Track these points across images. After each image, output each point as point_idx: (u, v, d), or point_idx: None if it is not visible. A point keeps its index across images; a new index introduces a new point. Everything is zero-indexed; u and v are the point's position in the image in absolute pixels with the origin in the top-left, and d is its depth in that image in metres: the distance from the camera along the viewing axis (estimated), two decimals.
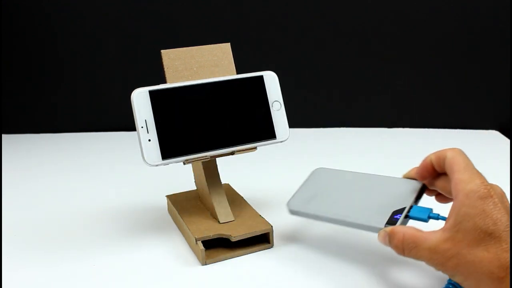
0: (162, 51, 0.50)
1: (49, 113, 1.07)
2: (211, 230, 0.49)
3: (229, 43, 0.53)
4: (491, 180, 0.71)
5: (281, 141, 0.52)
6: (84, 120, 1.07)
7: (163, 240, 0.53)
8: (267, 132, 0.51)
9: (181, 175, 0.61)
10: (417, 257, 0.37)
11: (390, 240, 0.39)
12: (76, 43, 1.02)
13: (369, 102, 1.01)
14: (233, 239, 0.48)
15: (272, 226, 0.50)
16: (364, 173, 0.49)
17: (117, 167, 0.80)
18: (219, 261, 0.48)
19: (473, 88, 0.98)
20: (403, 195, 0.44)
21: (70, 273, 0.47)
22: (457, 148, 0.43)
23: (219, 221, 0.51)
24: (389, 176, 0.47)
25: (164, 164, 0.47)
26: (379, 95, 1.00)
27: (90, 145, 0.95)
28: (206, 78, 0.51)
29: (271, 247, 0.51)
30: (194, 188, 0.58)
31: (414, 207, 0.43)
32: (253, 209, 0.54)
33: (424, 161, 0.43)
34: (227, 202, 0.52)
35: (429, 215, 0.42)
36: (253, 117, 0.51)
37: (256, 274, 0.46)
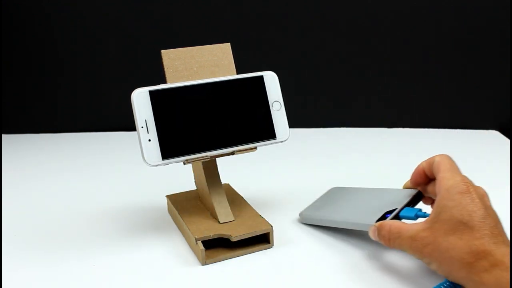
0: (162, 51, 0.50)
1: (49, 113, 1.07)
2: (211, 230, 0.49)
3: (229, 43, 0.53)
4: (491, 180, 0.71)
5: (281, 141, 0.52)
6: (84, 120, 1.06)
7: (163, 240, 0.53)
8: (267, 132, 0.51)
9: (181, 175, 0.61)
10: (400, 245, 0.42)
11: (379, 232, 0.44)
12: (76, 43, 1.02)
13: (369, 102, 1.01)
14: (233, 239, 0.48)
15: (272, 226, 0.50)
16: (371, 188, 0.56)
17: (117, 167, 0.80)
18: (219, 261, 0.48)
19: (473, 88, 0.98)
20: (398, 200, 0.49)
21: (70, 273, 0.47)
22: (445, 154, 0.47)
23: (219, 221, 0.51)
24: (391, 188, 0.53)
25: (164, 164, 0.47)
26: (379, 95, 1.00)
27: (90, 145, 0.95)
28: (206, 78, 0.51)
29: (271, 247, 0.51)
30: (194, 188, 0.58)
31: (405, 208, 0.47)
32: (253, 209, 0.54)
33: (416, 168, 0.48)
34: (227, 202, 0.52)
35: (416, 214, 0.46)
36: (253, 117, 0.51)
37: (256, 274, 0.46)
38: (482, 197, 0.40)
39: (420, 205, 0.49)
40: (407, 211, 0.47)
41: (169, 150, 0.47)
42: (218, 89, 0.50)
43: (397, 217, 0.47)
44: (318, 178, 0.70)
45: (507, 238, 0.38)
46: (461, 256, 0.37)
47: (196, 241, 0.47)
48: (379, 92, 1.00)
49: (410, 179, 0.49)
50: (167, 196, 0.59)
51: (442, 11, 0.94)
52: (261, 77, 0.51)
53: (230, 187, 0.61)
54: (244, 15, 0.98)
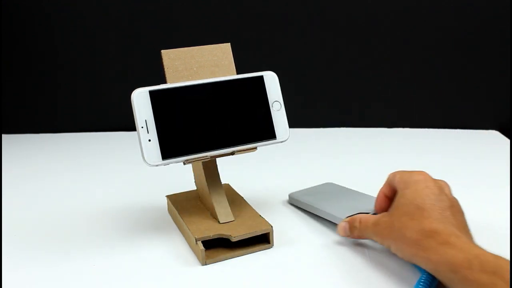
0: (162, 51, 0.50)
1: (49, 113, 1.07)
2: (211, 230, 0.49)
3: (229, 43, 0.53)
4: (491, 180, 0.71)
5: (281, 141, 0.52)
6: (84, 120, 1.07)
7: (163, 240, 0.53)
8: (267, 132, 0.51)
9: (181, 175, 0.61)
10: (367, 233, 0.46)
11: (351, 224, 0.48)
12: (76, 43, 1.02)
13: (369, 102, 1.01)
14: (233, 239, 0.48)
15: (272, 226, 0.50)
16: (358, 192, 0.60)
17: (117, 167, 0.80)
18: (219, 261, 0.48)
19: (473, 88, 0.98)
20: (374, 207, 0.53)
21: (70, 273, 0.47)
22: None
23: (219, 221, 0.51)
24: (375, 197, 0.55)
25: (164, 164, 0.47)
26: (379, 95, 1.00)
27: (90, 145, 0.95)
28: (206, 78, 0.51)
29: (271, 247, 0.51)
30: (194, 188, 0.58)
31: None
32: (253, 209, 0.54)
33: (377, 196, 0.51)
34: (227, 202, 0.52)
35: None
36: (253, 117, 0.51)
37: (256, 274, 0.46)
38: (441, 187, 0.44)
39: None
40: None
41: (169, 150, 0.47)
42: (218, 89, 0.50)
43: None
44: (318, 178, 0.70)
45: (462, 224, 0.41)
46: (411, 234, 0.40)
47: (196, 241, 0.47)
48: (379, 92, 1.00)
49: (375, 207, 0.51)
50: (167, 196, 0.59)
51: (442, 11, 0.94)
52: (261, 77, 0.51)
53: (230, 187, 0.61)
54: (244, 15, 0.98)
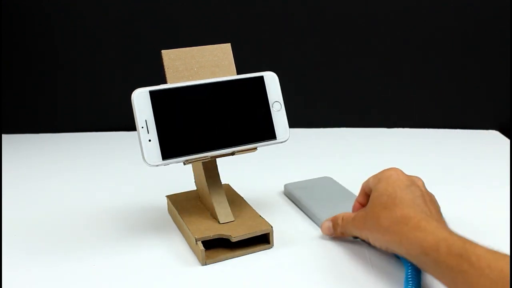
0: (162, 51, 0.50)
1: (49, 113, 1.07)
2: (211, 230, 0.49)
3: (230, 44, 0.53)
4: (491, 180, 0.71)
5: (282, 142, 0.52)
6: (84, 120, 1.06)
7: (163, 240, 0.53)
8: (267, 133, 0.51)
9: (181, 175, 0.61)
10: (348, 229, 0.48)
11: (334, 222, 0.50)
12: (76, 43, 1.02)
13: (369, 102, 1.01)
14: (233, 240, 0.48)
15: (272, 227, 0.50)
16: (351, 192, 0.62)
17: (117, 167, 0.80)
18: (219, 261, 0.48)
19: (473, 88, 0.98)
20: None
21: (70, 273, 0.47)
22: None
23: (219, 221, 0.51)
24: None
25: (164, 164, 0.47)
26: (379, 95, 1.00)
27: (90, 145, 0.95)
28: (206, 78, 0.51)
29: (271, 247, 0.51)
30: (194, 188, 0.58)
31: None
32: (253, 209, 0.54)
33: (353, 206, 0.52)
34: (227, 202, 0.52)
35: None
36: (253, 117, 0.51)
37: (256, 274, 0.46)
38: (413, 180, 0.46)
39: None
40: None
41: (169, 150, 0.47)
42: (218, 89, 0.50)
43: None
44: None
45: (434, 212, 0.42)
46: (383, 222, 0.42)
47: (196, 241, 0.48)
48: (379, 92, 1.00)
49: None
50: (167, 196, 0.59)
51: (442, 11, 0.94)
52: (261, 77, 0.51)
53: (230, 187, 0.61)
54: (244, 15, 0.98)
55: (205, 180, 0.52)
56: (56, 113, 1.07)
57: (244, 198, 0.58)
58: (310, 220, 0.57)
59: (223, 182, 0.54)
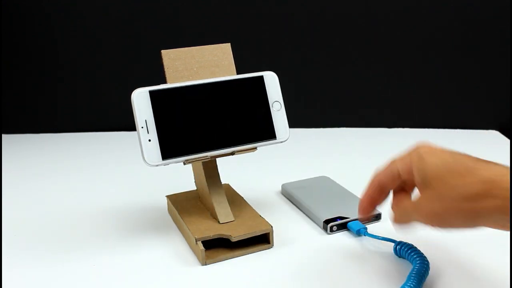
0: (162, 51, 0.50)
1: (49, 113, 1.07)
2: (211, 230, 0.49)
3: (230, 43, 0.53)
4: None
5: (281, 141, 0.52)
6: (84, 120, 1.06)
7: (163, 240, 0.53)
8: (267, 133, 0.51)
9: (181, 175, 0.61)
10: (408, 216, 0.40)
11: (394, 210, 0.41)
12: (76, 43, 1.02)
13: (369, 102, 1.01)
14: (233, 239, 0.48)
15: (272, 226, 0.50)
16: (348, 191, 0.62)
17: (117, 167, 0.80)
18: (219, 261, 0.48)
19: (473, 88, 0.98)
20: (357, 212, 0.51)
21: (70, 273, 0.47)
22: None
23: (219, 221, 0.51)
24: None
25: (164, 164, 0.47)
26: (379, 95, 1.00)
27: (90, 145, 0.95)
28: (206, 78, 0.51)
29: (271, 247, 0.51)
30: (194, 188, 0.58)
31: (355, 221, 0.54)
32: (253, 209, 0.54)
33: (362, 202, 0.44)
34: (227, 202, 0.52)
35: (359, 230, 0.52)
36: (253, 117, 0.51)
37: (256, 274, 0.46)
38: (451, 149, 0.40)
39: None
40: (355, 224, 0.53)
41: (169, 150, 0.47)
42: (218, 89, 0.50)
43: (345, 225, 0.54)
44: None
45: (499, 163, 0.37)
46: (474, 188, 0.35)
47: (196, 241, 0.48)
48: (379, 92, 1.00)
49: (360, 212, 0.45)
50: (167, 196, 0.59)
51: (442, 11, 0.94)
52: (261, 77, 0.51)
53: (230, 187, 0.61)
54: (244, 15, 0.98)
55: (205, 180, 0.52)
56: (56, 113, 1.07)
57: (244, 198, 0.58)
58: (309, 220, 0.57)
59: (223, 182, 0.54)
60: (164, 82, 0.50)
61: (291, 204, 0.62)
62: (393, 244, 0.48)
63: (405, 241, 0.47)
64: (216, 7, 0.97)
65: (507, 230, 0.35)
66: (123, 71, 1.02)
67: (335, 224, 0.53)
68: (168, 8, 0.98)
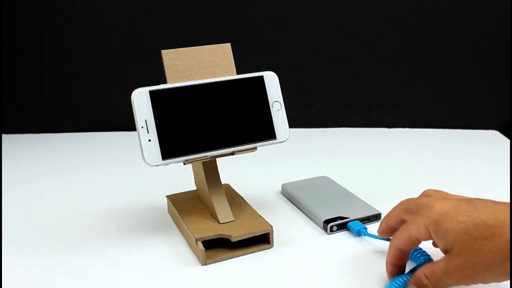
0: (162, 51, 0.50)
1: (49, 113, 1.07)
2: (211, 230, 0.49)
3: (230, 43, 0.53)
4: (491, 180, 0.71)
5: (281, 141, 0.52)
6: (84, 120, 1.06)
7: (163, 240, 0.53)
8: (267, 133, 0.51)
9: (181, 175, 0.61)
10: (443, 285, 0.38)
11: (420, 285, 0.40)
12: (76, 43, 1.02)
13: (369, 102, 1.01)
14: (233, 239, 0.48)
15: (272, 226, 0.50)
16: (347, 191, 0.62)
17: (117, 167, 0.80)
18: (219, 261, 0.48)
19: (473, 88, 0.98)
20: (357, 212, 0.55)
21: (70, 273, 0.47)
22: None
23: (219, 221, 0.51)
24: (361, 199, 0.59)
25: (164, 164, 0.47)
26: (379, 95, 1.00)
27: (90, 145, 0.95)
28: (206, 78, 0.51)
29: (271, 247, 0.51)
30: (194, 188, 0.58)
31: (355, 221, 0.53)
32: (253, 209, 0.54)
33: (381, 227, 0.46)
34: (227, 202, 0.52)
35: (359, 230, 0.52)
36: (253, 117, 0.51)
37: (256, 274, 0.46)
38: (459, 199, 0.39)
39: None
40: (355, 224, 0.53)
41: (169, 150, 0.47)
42: (218, 89, 0.50)
43: (345, 225, 0.54)
44: None
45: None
46: (497, 252, 0.34)
47: (196, 241, 0.48)
48: (379, 92, 1.00)
49: (379, 233, 0.46)
50: (167, 196, 0.59)
51: (442, 11, 0.94)
52: (261, 77, 0.51)
53: (230, 187, 0.61)
54: (244, 15, 0.98)
55: (205, 180, 0.52)
56: (56, 113, 1.07)
57: (244, 198, 0.58)
58: (310, 220, 0.57)
59: (223, 182, 0.54)
60: (164, 82, 0.50)
61: (291, 204, 0.62)
62: None
63: None
64: (216, 7, 0.97)
65: None
66: (123, 71, 1.02)
67: (335, 224, 0.53)
68: (168, 8, 0.98)
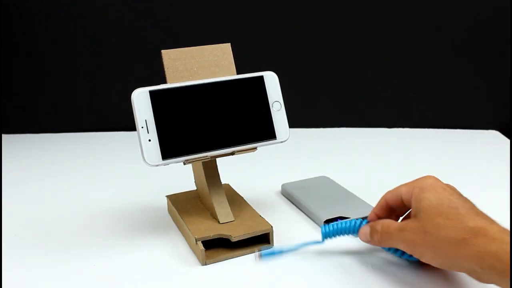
0: (162, 51, 0.50)
1: (49, 113, 1.07)
2: (211, 230, 0.49)
3: (230, 43, 0.53)
4: (491, 180, 0.71)
5: (281, 141, 0.52)
6: (84, 120, 1.07)
7: (163, 240, 0.53)
8: (267, 133, 0.51)
9: (181, 175, 0.61)
10: (391, 240, 0.43)
11: (372, 230, 0.45)
12: (76, 43, 1.02)
13: (369, 102, 1.01)
14: (233, 239, 0.48)
15: (272, 226, 0.50)
16: (348, 191, 0.62)
17: (117, 167, 0.80)
18: (219, 261, 0.48)
19: (473, 88, 0.98)
20: (357, 212, 0.55)
21: (70, 273, 0.47)
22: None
23: (219, 221, 0.51)
24: (362, 200, 0.59)
25: (164, 164, 0.47)
26: (379, 95, 1.00)
27: (90, 145, 0.95)
28: (206, 78, 0.51)
29: (271, 247, 0.51)
30: (194, 188, 0.58)
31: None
32: (253, 209, 0.54)
33: (369, 217, 0.48)
34: (227, 202, 0.52)
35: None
36: (253, 117, 0.51)
37: (256, 274, 0.46)
38: (455, 189, 0.42)
39: None
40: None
41: (169, 150, 0.47)
42: (218, 89, 0.50)
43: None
44: None
45: (491, 218, 0.39)
46: (455, 234, 0.37)
47: (196, 241, 0.47)
48: (379, 92, 1.00)
49: (373, 211, 0.48)
50: (167, 196, 0.59)
51: (442, 11, 0.94)
52: (261, 77, 0.51)
53: (230, 187, 0.61)
54: (244, 15, 0.98)
55: (205, 180, 0.52)
56: (56, 113, 1.07)
57: (244, 198, 0.58)
58: (310, 220, 0.57)
59: (223, 182, 0.54)
60: (164, 82, 0.50)
61: (291, 204, 0.62)
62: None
63: None
64: (216, 7, 0.97)
65: (482, 282, 0.37)
66: (123, 71, 1.02)
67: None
68: (168, 8, 0.98)
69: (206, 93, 0.49)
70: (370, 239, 0.45)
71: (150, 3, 0.98)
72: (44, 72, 1.05)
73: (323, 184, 0.65)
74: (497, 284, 0.36)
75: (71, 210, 0.62)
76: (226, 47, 0.52)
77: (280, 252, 0.48)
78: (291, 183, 0.65)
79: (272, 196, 0.65)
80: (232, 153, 0.50)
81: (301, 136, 0.93)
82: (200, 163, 0.51)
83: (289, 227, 0.55)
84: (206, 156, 0.49)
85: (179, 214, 0.53)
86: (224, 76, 0.51)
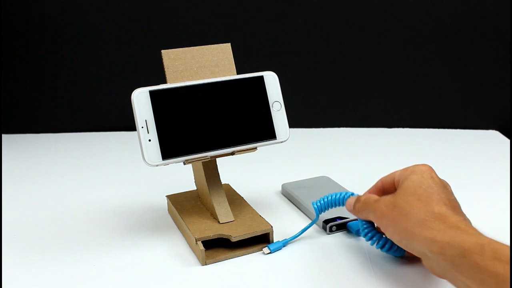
0: (162, 51, 0.50)
1: (49, 113, 1.07)
2: (211, 230, 0.49)
3: (230, 43, 0.53)
4: (491, 180, 0.71)
5: (281, 141, 0.52)
6: (84, 120, 1.06)
7: (163, 240, 0.53)
8: (267, 133, 0.51)
9: (181, 175, 0.61)
10: (367, 209, 0.45)
11: (356, 201, 0.47)
12: (76, 43, 1.02)
13: (369, 102, 1.01)
14: (233, 239, 0.48)
15: (272, 226, 0.50)
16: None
17: (117, 167, 0.80)
18: (219, 261, 0.48)
19: (473, 88, 0.98)
20: None
21: (70, 273, 0.47)
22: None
23: (219, 221, 0.51)
24: None
25: (164, 164, 0.47)
26: (379, 95, 1.00)
27: (90, 145, 0.95)
28: (206, 78, 0.51)
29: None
30: (194, 188, 0.58)
31: (356, 222, 0.53)
32: (253, 209, 0.54)
33: (375, 183, 0.49)
34: (227, 202, 0.52)
35: (358, 230, 0.51)
36: (253, 117, 0.51)
37: (256, 274, 0.46)
38: (445, 183, 0.43)
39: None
40: (354, 224, 0.53)
41: (169, 150, 0.47)
42: (218, 89, 0.50)
43: (344, 225, 0.54)
44: None
45: (464, 216, 0.40)
46: (417, 213, 0.39)
47: (196, 241, 0.48)
48: (379, 92, 1.00)
49: (368, 191, 0.50)
50: (167, 196, 0.59)
51: (442, 11, 0.94)
52: (261, 77, 0.51)
53: (230, 187, 0.61)
54: (244, 15, 0.98)
55: (205, 180, 0.52)
56: (56, 113, 1.07)
57: (244, 198, 0.58)
58: (309, 220, 0.57)
59: (223, 182, 0.54)
60: (164, 82, 0.50)
61: (291, 204, 0.62)
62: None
63: None
64: (216, 7, 0.97)
65: (434, 274, 0.39)
66: (123, 71, 1.02)
67: (335, 224, 0.53)
68: (168, 8, 0.98)
69: (206, 93, 0.49)
70: (352, 209, 0.48)
71: (150, 3, 0.98)
72: (44, 72, 1.05)
73: (323, 184, 0.65)
74: (445, 276, 0.37)
75: (71, 210, 0.62)
76: (226, 47, 0.52)
77: (285, 242, 0.50)
78: (291, 183, 0.65)
79: (272, 196, 0.65)
80: (232, 153, 0.50)
81: (301, 136, 0.93)
82: (200, 163, 0.52)
83: (289, 227, 0.55)
84: (206, 156, 0.49)
85: (179, 214, 0.54)
86: (224, 76, 0.51)
